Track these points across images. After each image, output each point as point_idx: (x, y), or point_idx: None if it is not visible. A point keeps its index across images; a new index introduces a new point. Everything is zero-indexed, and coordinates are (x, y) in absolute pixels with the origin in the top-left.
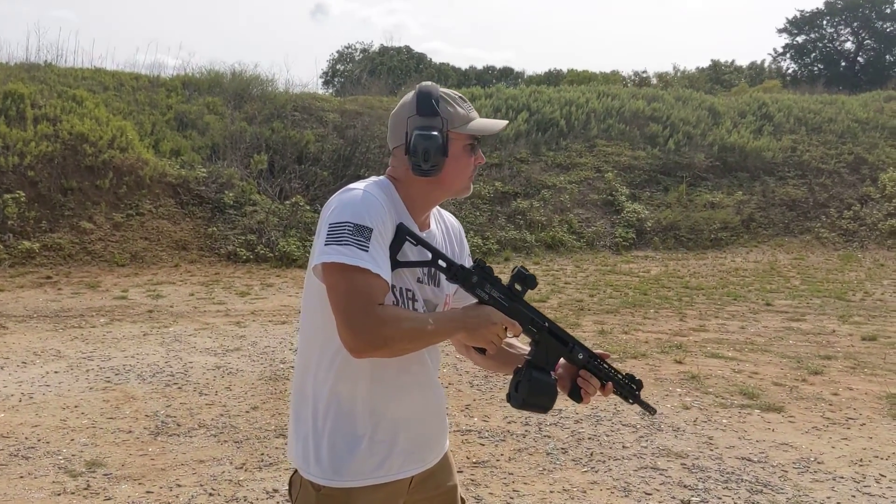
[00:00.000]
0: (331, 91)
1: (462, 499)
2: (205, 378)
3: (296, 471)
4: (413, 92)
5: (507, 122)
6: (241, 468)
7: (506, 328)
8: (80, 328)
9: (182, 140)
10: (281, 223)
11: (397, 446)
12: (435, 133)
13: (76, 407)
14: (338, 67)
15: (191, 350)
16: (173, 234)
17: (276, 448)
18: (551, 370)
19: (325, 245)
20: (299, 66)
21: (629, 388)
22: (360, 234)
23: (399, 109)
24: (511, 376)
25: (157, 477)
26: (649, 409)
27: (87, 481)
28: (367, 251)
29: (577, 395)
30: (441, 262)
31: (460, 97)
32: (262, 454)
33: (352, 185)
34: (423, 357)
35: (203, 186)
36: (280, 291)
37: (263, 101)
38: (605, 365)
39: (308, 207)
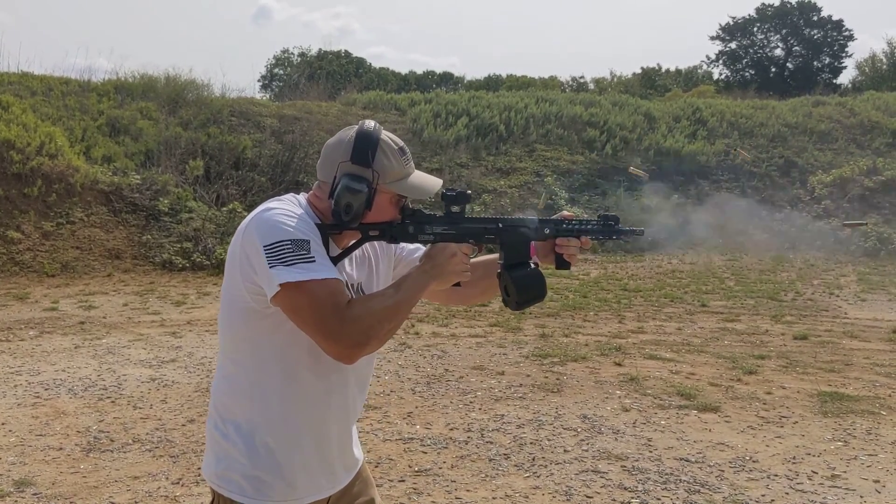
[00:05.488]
0: (268, 96)
1: None
2: (139, 391)
3: (214, 495)
4: (353, 131)
5: (441, 181)
6: (178, 483)
7: (465, 252)
8: (7, 342)
9: (114, 146)
10: (218, 230)
11: (319, 467)
12: (362, 189)
13: (3, 424)
14: (276, 72)
15: (124, 362)
16: (106, 243)
17: None
18: (528, 260)
19: (271, 268)
20: (240, 71)
21: (606, 229)
22: (300, 248)
23: (335, 145)
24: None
25: (89, 495)
26: (635, 233)
27: (16, 501)
28: (314, 261)
29: (563, 262)
30: (371, 233)
31: (400, 148)
32: (199, 469)
33: (269, 205)
34: (345, 373)
35: (137, 193)
36: (217, 300)
37: (199, 105)
38: (573, 224)
39: (246, 214)
